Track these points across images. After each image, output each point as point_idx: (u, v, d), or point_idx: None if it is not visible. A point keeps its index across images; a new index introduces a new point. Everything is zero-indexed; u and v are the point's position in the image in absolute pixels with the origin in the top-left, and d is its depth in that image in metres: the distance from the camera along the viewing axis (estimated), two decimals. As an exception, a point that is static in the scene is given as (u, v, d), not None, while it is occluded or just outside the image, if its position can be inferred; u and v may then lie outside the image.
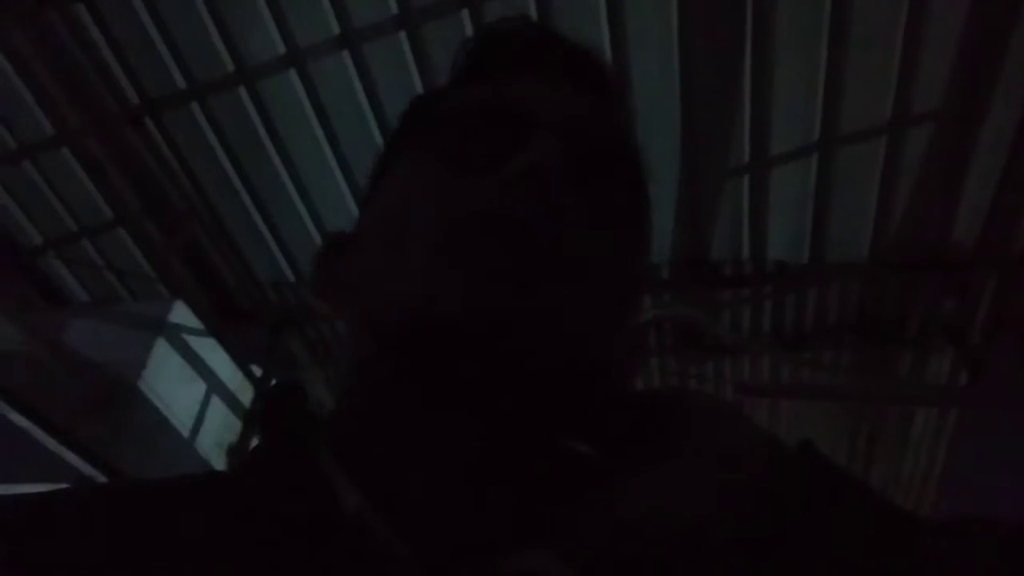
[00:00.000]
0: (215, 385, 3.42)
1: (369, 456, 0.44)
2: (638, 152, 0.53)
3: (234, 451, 3.44)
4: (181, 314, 3.28)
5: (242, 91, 2.85)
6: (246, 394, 3.57)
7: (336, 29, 2.65)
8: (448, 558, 0.40)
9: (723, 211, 3.09)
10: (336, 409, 0.47)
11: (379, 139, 2.87)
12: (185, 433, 3.22)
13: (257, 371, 3.65)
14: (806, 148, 2.86)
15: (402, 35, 2.66)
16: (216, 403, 3.42)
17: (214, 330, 3.43)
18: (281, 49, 2.72)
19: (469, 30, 2.59)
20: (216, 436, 3.41)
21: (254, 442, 3.19)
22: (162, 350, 3.14)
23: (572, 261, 0.44)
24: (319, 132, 2.92)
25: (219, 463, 3.38)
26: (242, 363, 3.56)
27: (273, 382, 3.77)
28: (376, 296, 0.46)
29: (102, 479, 2.74)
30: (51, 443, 2.55)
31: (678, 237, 3.16)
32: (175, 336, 3.22)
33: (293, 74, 2.79)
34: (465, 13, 2.59)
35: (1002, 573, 0.37)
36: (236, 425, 3.50)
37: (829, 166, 2.91)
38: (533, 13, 2.52)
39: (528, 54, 0.53)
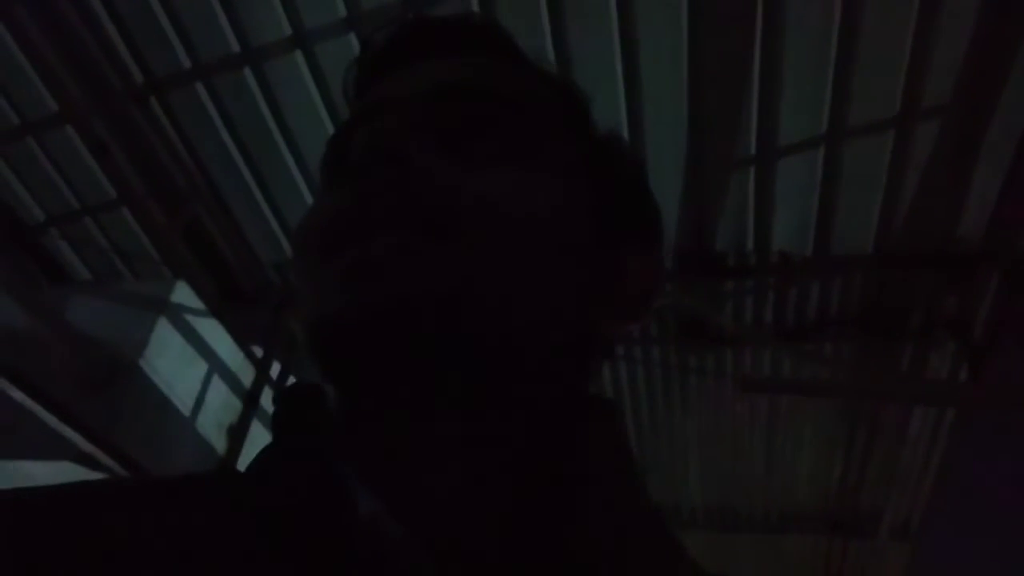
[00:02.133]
0: (216, 365, 3.42)
1: (378, 458, 0.43)
2: (527, 92, 0.50)
3: (234, 432, 3.45)
4: (183, 294, 3.28)
5: (247, 72, 2.83)
6: (247, 375, 3.58)
7: (343, 11, 2.63)
8: (462, 561, 0.40)
9: (728, 201, 3.08)
10: (337, 409, 0.47)
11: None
12: (186, 413, 3.23)
13: (258, 352, 3.65)
14: (813, 140, 2.84)
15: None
16: (217, 383, 3.42)
17: (215, 310, 3.43)
18: (287, 30, 2.70)
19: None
20: (216, 416, 3.41)
21: (259, 431, 3.18)
22: (164, 330, 3.14)
23: (433, 211, 0.41)
24: (324, 114, 2.91)
25: (219, 443, 3.39)
26: (243, 344, 3.56)
27: (277, 367, 3.77)
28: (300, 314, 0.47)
29: (101, 457, 2.75)
30: (51, 420, 2.56)
31: (682, 226, 3.15)
32: (177, 316, 3.22)
33: (299, 55, 2.77)
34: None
35: None
36: (236, 406, 3.51)
37: (836, 159, 2.89)
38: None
39: (400, 51, 0.53)
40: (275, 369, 3.82)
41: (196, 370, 3.32)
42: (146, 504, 0.40)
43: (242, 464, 3.20)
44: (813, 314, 3.61)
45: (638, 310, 0.52)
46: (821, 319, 3.62)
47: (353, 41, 2.70)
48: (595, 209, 0.50)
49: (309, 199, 3.20)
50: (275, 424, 0.46)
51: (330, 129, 2.96)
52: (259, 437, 3.67)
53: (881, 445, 4.28)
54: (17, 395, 2.45)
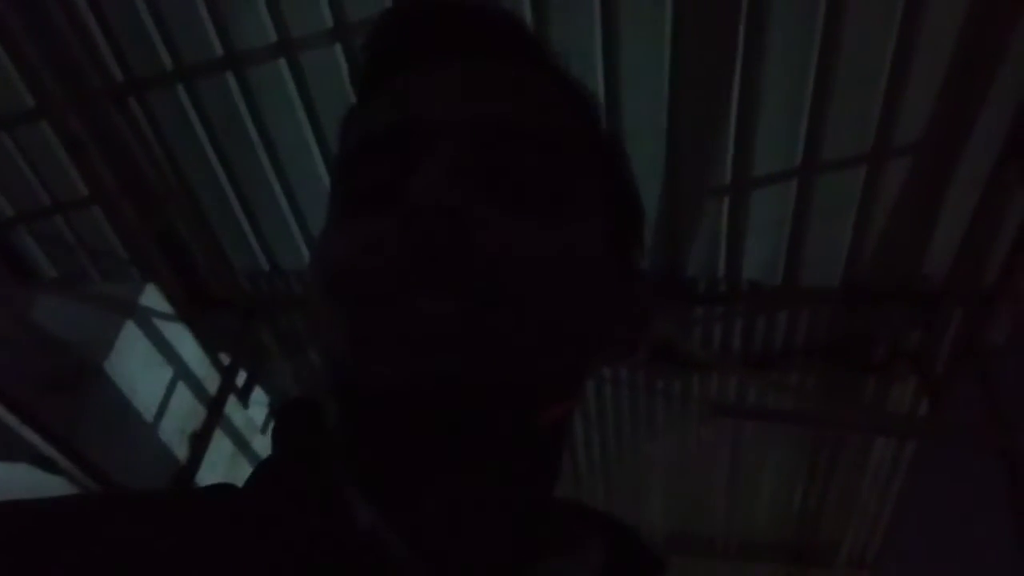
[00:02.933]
0: (181, 371, 3.38)
1: (379, 473, 0.43)
2: (560, 105, 0.49)
3: (196, 439, 3.40)
4: (151, 297, 3.24)
5: (230, 76, 2.82)
6: (212, 382, 3.54)
7: (330, 21, 2.64)
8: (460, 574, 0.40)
9: (701, 229, 3.12)
10: (337, 423, 0.46)
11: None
12: (148, 418, 3.18)
13: (226, 359, 3.62)
14: (787, 172, 2.90)
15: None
16: (182, 389, 3.38)
17: (184, 315, 3.39)
18: (273, 37, 2.70)
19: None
20: (180, 422, 3.37)
21: (221, 439, 3.12)
22: (130, 333, 3.10)
23: (489, 273, 0.40)
24: (305, 124, 2.91)
25: (181, 450, 3.34)
26: (210, 350, 3.52)
27: (243, 375, 3.74)
28: (325, 352, 0.45)
29: (60, 460, 2.70)
30: (11, 420, 2.51)
31: (655, 251, 3.18)
32: (144, 319, 3.17)
33: (283, 63, 2.77)
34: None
35: None
36: (201, 412, 3.47)
37: (808, 191, 2.95)
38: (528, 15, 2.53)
39: (421, 42, 0.49)
40: (241, 377, 3.78)
41: (161, 375, 3.28)
42: (146, 517, 0.40)
43: (205, 473, 3.14)
44: (780, 343, 3.66)
45: (639, 334, 0.53)
46: (787, 348, 3.66)
47: (339, 51, 2.71)
48: (615, 239, 0.50)
49: (286, 209, 3.19)
50: (276, 437, 0.46)
51: (312, 140, 2.95)
52: (222, 445, 3.63)
53: (842, 474, 4.33)
54: (-23, 392, 2.40)
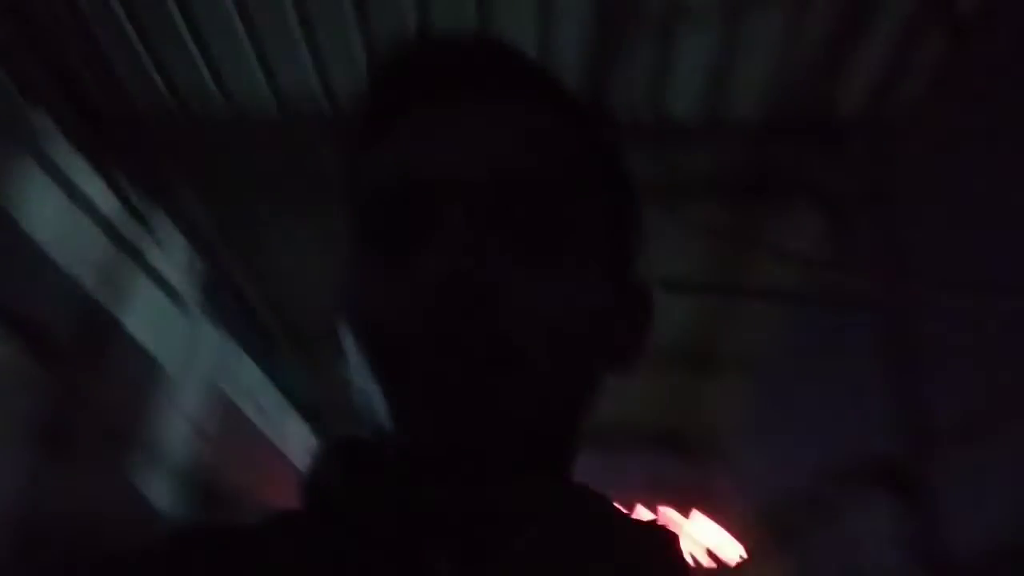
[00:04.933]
0: (81, 200, 3.22)
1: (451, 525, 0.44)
2: (579, 154, 0.49)
3: (104, 270, 3.31)
4: (44, 124, 3.03)
5: None
6: (115, 211, 3.40)
7: None
8: None
9: (625, 60, 3.06)
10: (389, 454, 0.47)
11: None
12: (49, 250, 3.05)
13: (126, 190, 3.46)
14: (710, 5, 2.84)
15: None
16: (80, 218, 3.24)
17: (80, 142, 3.19)
18: None
19: None
20: (81, 253, 3.25)
21: (130, 269, 3.05)
22: (25, 162, 2.91)
23: (512, 340, 0.43)
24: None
25: (89, 280, 3.25)
26: (112, 180, 3.36)
27: (146, 204, 3.58)
28: (364, 400, 0.47)
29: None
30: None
31: (578, 80, 3.12)
32: (38, 148, 2.98)
33: None
34: None
35: None
36: (104, 243, 3.35)
37: (733, 26, 2.91)
38: None
39: (432, 78, 0.48)
40: (145, 207, 3.63)
41: (59, 202, 3.12)
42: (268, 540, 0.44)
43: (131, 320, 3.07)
44: (690, 177, 3.70)
45: (642, 338, 0.55)
46: (698, 183, 3.72)
47: None
48: (616, 263, 0.52)
49: (184, 30, 2.94)
50: (332, 480, 0.48)
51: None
52: (146, 291, 3.54)
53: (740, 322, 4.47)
54: None
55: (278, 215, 3.73)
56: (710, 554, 4.74)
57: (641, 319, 0.54)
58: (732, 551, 4.77)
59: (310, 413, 5.25)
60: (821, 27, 2.88)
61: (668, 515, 4.80)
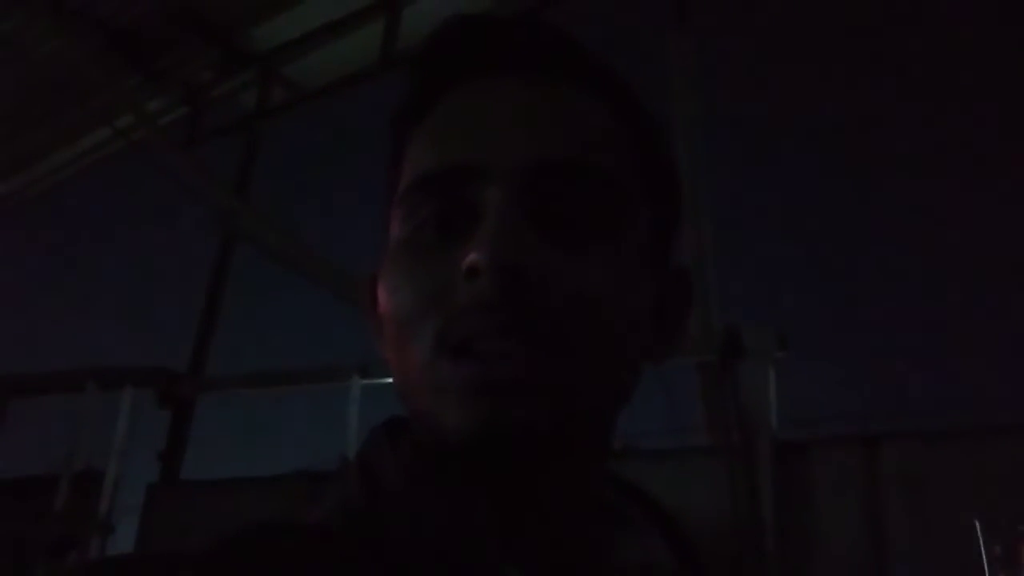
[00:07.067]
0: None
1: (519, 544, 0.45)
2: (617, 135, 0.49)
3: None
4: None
5: None
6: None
7: None
8: None
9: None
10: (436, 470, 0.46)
11: None
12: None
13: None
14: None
15: None
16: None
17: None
18: None
19: None
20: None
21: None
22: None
23: (555, 323, 0.43)
24: None
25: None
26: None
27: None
28: (404, 397, 0.47)
29: None
30: None
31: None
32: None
33: None
34: None
35: None
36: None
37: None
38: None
39: (477, 57, 0.49)
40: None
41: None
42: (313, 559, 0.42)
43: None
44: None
45: (680, 324, 0.54)
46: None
47: None
48: (656, 246, 0.51)
49: None
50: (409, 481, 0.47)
51: None
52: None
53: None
54: None
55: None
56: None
57: (680, 305, 0.53)
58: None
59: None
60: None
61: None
